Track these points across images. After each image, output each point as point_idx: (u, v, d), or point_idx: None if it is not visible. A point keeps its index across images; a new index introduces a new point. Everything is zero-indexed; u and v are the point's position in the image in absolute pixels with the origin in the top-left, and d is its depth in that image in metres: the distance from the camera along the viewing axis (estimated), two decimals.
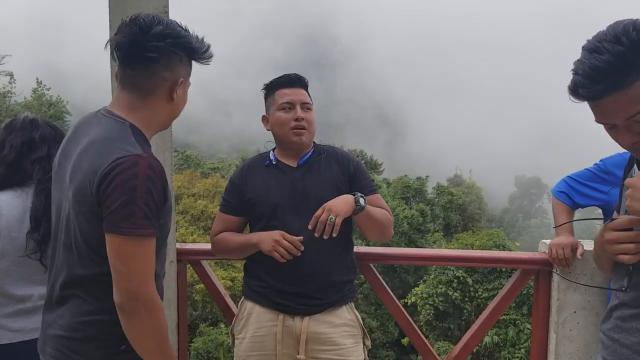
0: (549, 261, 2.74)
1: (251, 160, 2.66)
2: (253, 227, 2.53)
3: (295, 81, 2.54)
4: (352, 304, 2.56)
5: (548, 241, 2.76)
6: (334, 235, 2.28)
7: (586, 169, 2.72)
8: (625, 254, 1.50)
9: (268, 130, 2.58)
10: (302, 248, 2.35)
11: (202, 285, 17.79)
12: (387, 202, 2.70)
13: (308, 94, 2.56)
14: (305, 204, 2.40)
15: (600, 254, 1.71)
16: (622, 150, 1.61)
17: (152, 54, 1.67)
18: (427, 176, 34.74)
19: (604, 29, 1.42)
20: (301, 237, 2.35)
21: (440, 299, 21.61)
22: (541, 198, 71.33)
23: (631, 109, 1.41)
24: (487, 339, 19.31)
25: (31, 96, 30.66)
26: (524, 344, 19.35)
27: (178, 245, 2.81)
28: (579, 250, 2.64)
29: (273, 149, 2.61)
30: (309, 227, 2.31)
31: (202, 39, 1.79)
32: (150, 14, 1.71)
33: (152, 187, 1.60)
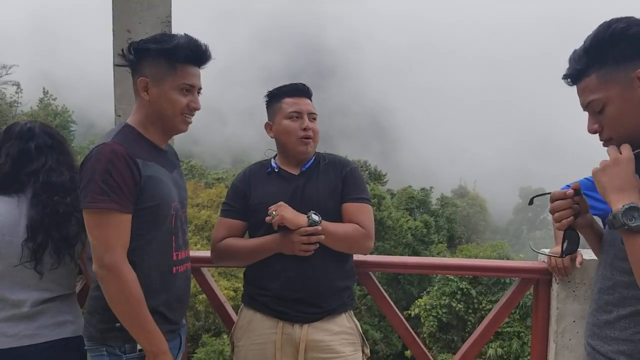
0: (549, 270, 2.75)
1: (252, 166, 2.67)
2: (253, 234, 2.53)
3: (302, 91, 2.56)
4: (352, 311, 2.56)
5: (547, 250, 2.76)
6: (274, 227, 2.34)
7: (585, 178, 2.72)
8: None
9: (272, 137, 2.59)
10: (320, 229, 2.34)
11: (205, 296, 17.80)
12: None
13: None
14: (305, 212, 2.40)
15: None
16: None
17: (125, 63, 2.05)
18: (431, 187, 34.72)
19: None
20: (319, 228, 2.34)
21: (444, 310, 21.53)
22: (545, 210, 70.96)
23: (586, 97, 1.60)
24: (490, 352, 19.21)
25: (37, 106, 30.90)
26: (528, 357, 19.22)
27: None
28: (578, 259, 2.64)
29: (274, 157, 2.63)
30: (266, 219, 2.36)
31: (168, 39, 2.00)
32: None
33: (112, 167, 1.87)
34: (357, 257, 2.67)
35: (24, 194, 2.28)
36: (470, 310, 21.55)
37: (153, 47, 1.99)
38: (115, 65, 2.51)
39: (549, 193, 1.75)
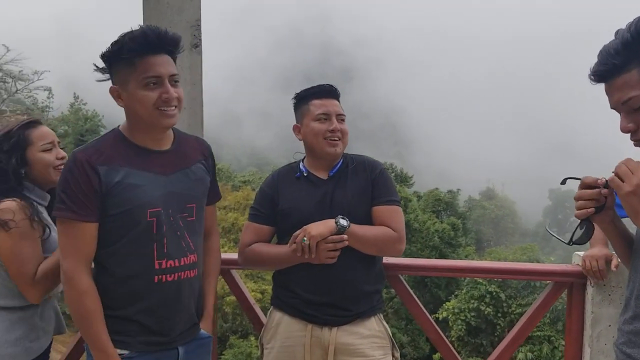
0: (583, 273, 2.69)
1: (281, 170, 2.67)
2: (281, 239, 2.53)
3: (330, 92, 2.55)
4: (381, 315, 2.54)
5: (582, 253, 2.70)
6: (311, 255, 2.30)
7: None
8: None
9: (300, 140, 2.59)
10: (346, 237, 2.33)
11: (232, 297, 17.88)
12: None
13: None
14: (334, 216, 2.39)
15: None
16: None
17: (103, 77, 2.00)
18: (458, 189, 34.43)
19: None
20: (344, 236, 2.33)
21: (473, 314, 21.30)
22: None
23: (625, 94, 1.51)
24: (520, 356, 18.94)
25: (68, 110, 31.53)
26: None
27: None
28: (613, 262, 2.58)
29: (302, 160, 2.63)
30: (288, 246, 2.36)
31: (119, 39, 1.89)
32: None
33: (70, 176, 1.89)
34: (386, 259, 2.65)
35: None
36: (499, 314, 21.29)
37: (108, 51, 1.91)
38: None
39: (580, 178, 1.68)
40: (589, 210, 1.64)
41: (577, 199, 1.67)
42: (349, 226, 2.34)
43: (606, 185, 1.61)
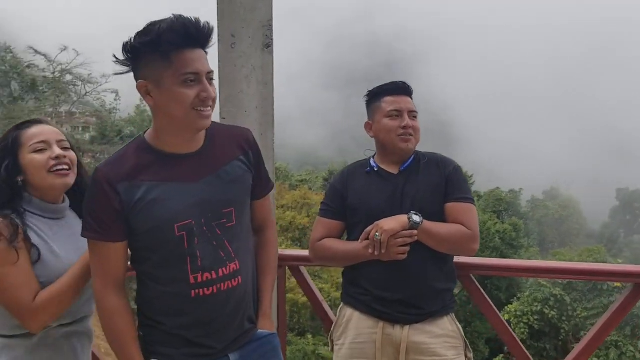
0: None
1: (350, 166, 2.67)
2: (351, 234, 2.53)
3: (402, 89, 2.54)
4: (454, 314, 2.51)
5: None
6: (382, 251, 2.29)
7: None
8: None
9: (371, 137, 2.58)
10: (415, 233, 2.32)
11: (290, 295, 18.06)
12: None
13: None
14: (405, 211, 2.37)
15: None
16: None
17: (122, 70, 1.78)
18: (520, 189, 33.53)
19: None
20: (414, 232, 2.31)
21: (536, 317, 20.72)
22: None
23: None
24: None
25: (134, 112, 32.59)
26: None
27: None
28: None
29: (372, 156, 2.62)
30: (359, 241, 2.36)
31: (151, 28, 1.68)
32: None
33: (91, 196, 1.81)
34: (457, 258, 2.60)
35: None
36: (564, 318, 20.63)
37: (139, 42, 1.69)
38: (219, 68, 2.59)
39: None
40: None
41: None
42: (421, 222, 2.32)
43: None
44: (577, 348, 2.83)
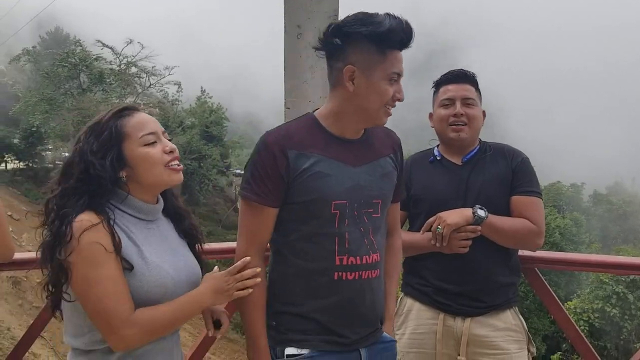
0: None
1: (414, 156, 2.66)
2: (412, 224, 2.52)
3: (458, 76, 2.49)
4: (517, 308, 2.48)
5: None
6: (444, 244, 2.28)
7: None
8: None
9: (432, 127, 2.57)
10: (479, 228, 2.29)
11: None
12: None
13: (477, 88, 2.49)
14: (469, 202, 2.35)
15: None
16: None
17: (321, 49, 1.84)
18: (582, 183, 32.43)
19: None
20: (478, 227, 2.29)
21: (596, 315, 20.06)
22: None
23: None
24: None
25: (195, 103, 33.40)
26: None
27: None
28: None
29: (437, 146, 2.60)
30: (421, 233, 2.34)
31: (377, 21, 1.73)
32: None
33: (258, 158, 1.82)
34: (522, 252, 2.57)
35: None
36: (626, 316, 19.88)
37: (364, 30, 1.72)
38: (285, 58, 2.63)
39: None
40: None
41: None
42: (486, 217, 2.29)
43: None
44: None
